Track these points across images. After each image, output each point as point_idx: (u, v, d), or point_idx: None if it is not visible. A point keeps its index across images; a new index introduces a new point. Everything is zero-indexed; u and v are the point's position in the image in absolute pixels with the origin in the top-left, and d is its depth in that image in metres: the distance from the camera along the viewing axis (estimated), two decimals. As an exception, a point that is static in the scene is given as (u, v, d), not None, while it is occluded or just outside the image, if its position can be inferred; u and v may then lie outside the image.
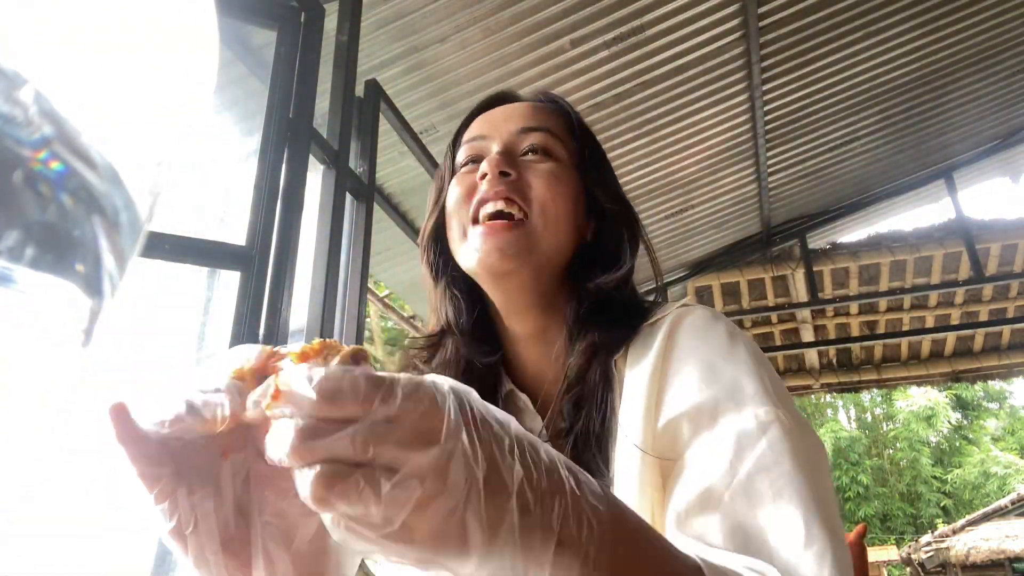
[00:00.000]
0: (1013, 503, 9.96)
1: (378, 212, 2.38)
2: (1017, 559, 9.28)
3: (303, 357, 0.36)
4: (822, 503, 0.51)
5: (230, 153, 2.15)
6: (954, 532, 10.28)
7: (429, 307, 0.86)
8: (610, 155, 0.89)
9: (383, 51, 2.51)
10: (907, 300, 5.26)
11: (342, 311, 1.98)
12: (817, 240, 4.99)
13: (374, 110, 2.33)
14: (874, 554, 13.84)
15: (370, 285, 2.95)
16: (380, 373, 0.34)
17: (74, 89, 0.20)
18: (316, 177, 1.96)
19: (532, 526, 0.34)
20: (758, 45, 3.04)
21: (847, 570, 0.48)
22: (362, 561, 0.54)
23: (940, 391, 17.71)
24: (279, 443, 0.32)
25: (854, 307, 5.33)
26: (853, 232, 5.12)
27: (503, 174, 0.73)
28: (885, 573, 15.35)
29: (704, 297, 5.10)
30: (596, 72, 2.91)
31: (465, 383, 0.37)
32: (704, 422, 0.59)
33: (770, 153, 3.86)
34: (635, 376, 0.67)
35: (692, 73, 3.10)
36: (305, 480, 0.31)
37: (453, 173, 0.81)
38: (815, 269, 4.85)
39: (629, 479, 0.61)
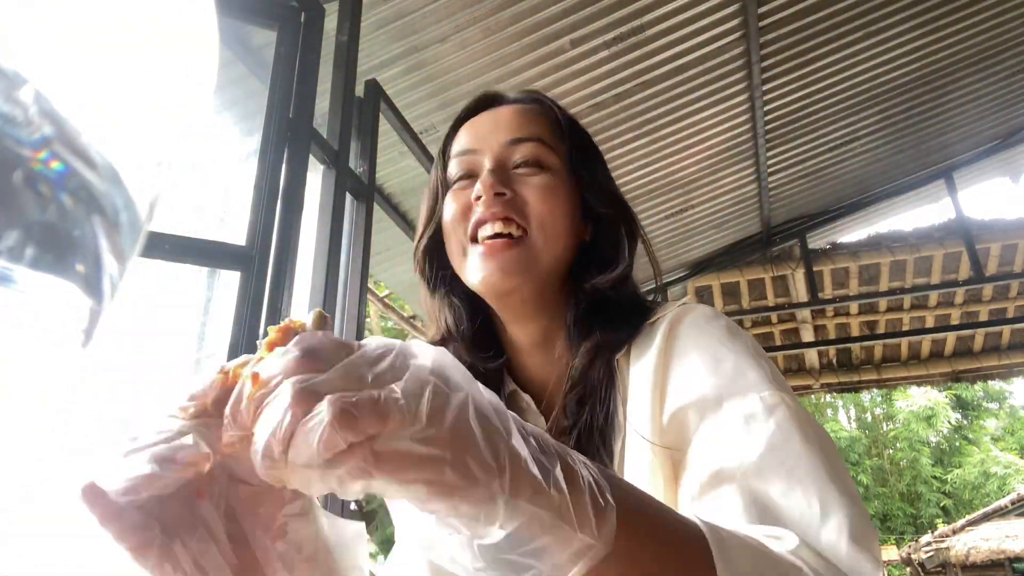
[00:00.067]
0: (1013, 503, 9.96)
1: (378, 212, 2.38)
2: (1017, 559, 9.28)
3: (271, 347, 0.36)
4: (836, 478, 0.51)
5: (230, 153, 2.15)
6: (954, 532, 10.28)
7: (427, 315, 0.86)
8: (610, 155, 0.89)
9: (383, 51, 2.51)
10: (907, 300, 5.26)
11: (342, 311, 1.98)
12: (817, 240, 4.99)
13: (374, 110, 2.33)
14: (874, 554, 13.79)
15: (370, 285, 2.96)
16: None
17: (74, 89, 0.20)
18: (316, 177, 1.96)
19: (534, 493, 0.34)
20: (758, 45, 3.04)
21: (867, 541, 0.48)
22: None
23: (940, 391, 17.69)
24: (273, 416, 0.31)
25: (854, 307, 5.33)
26: (853, 232, 5.12)
27: (499, 194, 0.73)
28: (885, 573, 15.36)
29: (704, 297, 5.10)
30: (596, 72, 2.91)
31: None
32: (709, 409, 0.59)
33: (770, 153, 3.86)
34: (638, 373, 0.67)
35: (692, 73, 3.10)
36: (319, 425, 0.29)
37: (445, 185, 0.80)
38: (815, 269, 4.85)
39: (640, 474, 0.62)
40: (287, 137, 1.72)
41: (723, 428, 0.57)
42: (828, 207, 4.75)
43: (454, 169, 0.79)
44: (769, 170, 3.99)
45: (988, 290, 5.11)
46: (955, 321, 5.31)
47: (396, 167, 2.97)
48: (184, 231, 1.51)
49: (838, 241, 5.06)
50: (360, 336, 2.03)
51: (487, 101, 0.83)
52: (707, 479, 0.55)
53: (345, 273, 2.03)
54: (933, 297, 5.21)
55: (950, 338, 5.53)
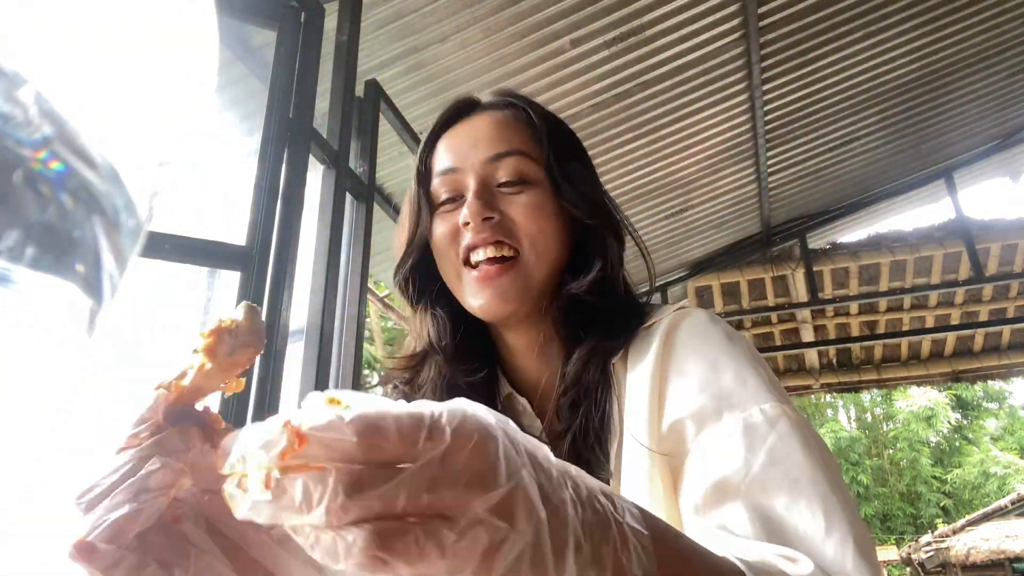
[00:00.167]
0: (1013, 503, 9.97)
1: (378, 212, 2.38)
2: (1017, 559, 9.28)
3: (209, 352, 0.33)
4: (837, 491, 0.52)
5: (230, 153, 2.15)
6: (954, 532, 10.28)
7: (407, 327, 0.85)
8: (610, 155, 0.88)
9: (383, 51, 2.51)
10: (907, 300, 5.26)
11: (342, 311, 1.98)
12: (817, 240, 4.99)
13: (374, 110, 2.33)
14: (874, 554, 13.80)
15: (370, 285, 2.95)
16: (415, 405, 0.29)
17: (74, 89, 0.20)
18: (316, 177, 1.96)
19: (584, 564, 0.32)
20: (758, 45, 3.04)
21: (869, 554, 0.49)
22: None
23: (940, 391, 17.70)
24: (299, 500, 0.26)
25: (854, 307, 5.33)
26: (853, 232, 5.12)
27: (487, 219, 0.72)
28: (885, 573, 15.36)
29: (704, 297, 5.11)
30: (596, 72, 2.91)
31: None
32: (710, 419, 0.59)
33: (770, 153, 3.86)
34: (635, 379, 0.67)
35: (692, 73, 3.10)
36: (351, 542, 0.26)
37: (429, 203, 0.78)
38: (815, 269, 4.85)
39: (638, 481, 0.62)
40: (287, 137, 1.72)
41: (724, 439, 0.57)
42: (828, 207, 4.75)
43: (437, 189, 0.78)
44: (769, 170, 3.99)
45: (988, 290, 5.11)
46: (955, 321, 5.31)
47: (396, 167, 2.97)
48: (184, 231, 1.51)
49: (838, 241, 5.06)
50: (360, 336, 2.03)
51: (462, 109, 0.81)
52: (710, 491, 0.55)
53: (345, 273, 2.03)
54: (933, 297, 5.21)
55: (950, 338, 5.53)
